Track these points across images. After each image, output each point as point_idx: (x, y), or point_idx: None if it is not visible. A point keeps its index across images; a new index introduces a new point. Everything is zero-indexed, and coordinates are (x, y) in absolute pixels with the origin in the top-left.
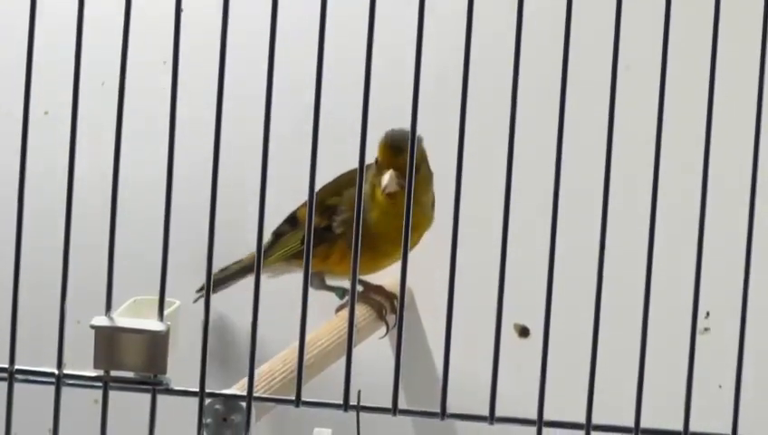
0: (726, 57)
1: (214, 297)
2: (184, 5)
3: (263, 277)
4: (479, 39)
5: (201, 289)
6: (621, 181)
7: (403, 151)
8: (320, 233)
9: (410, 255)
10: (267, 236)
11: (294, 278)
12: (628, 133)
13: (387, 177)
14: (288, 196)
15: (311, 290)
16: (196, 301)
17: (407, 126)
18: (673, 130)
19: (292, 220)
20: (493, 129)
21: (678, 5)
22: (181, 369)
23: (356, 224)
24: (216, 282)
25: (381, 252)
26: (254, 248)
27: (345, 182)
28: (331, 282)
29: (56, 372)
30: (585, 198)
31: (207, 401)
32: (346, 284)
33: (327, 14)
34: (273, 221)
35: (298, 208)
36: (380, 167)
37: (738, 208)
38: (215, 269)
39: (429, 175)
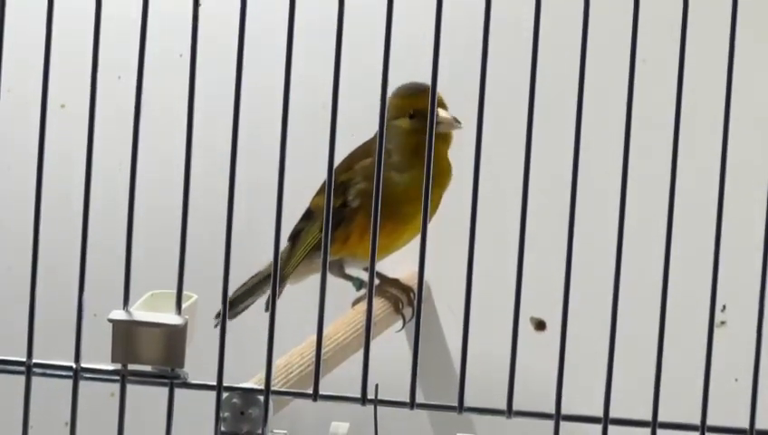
0: (744, 52)
1: (231, 291)
2: None
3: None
4: (495, 33)
5: (218, 315)
6: (639, 174)
7: (426, 90)
8: (336, 213)
9: (427, 248)
10: (283, 244)
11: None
12: (645, 126)
13: (443, 114)
14: (302, 196)
15: (328, 283)
16: (216, 326)
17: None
18: (690, 123)
19: (306, 215)
20: (510, 122)
21: None
22: (199, 362)
23: (375, 199)
24: (235, 300)
25: (405, 215)
26: (269, 247)
27: (354, 157)
28: (349, 270)
29: (73, 365)
30: (603, 191)
31: (225, 394)
32: (364, 275)
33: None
34: (286, 225)
35: (311, 201)
36: (422, 112)
37: (755, 202)
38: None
39: None
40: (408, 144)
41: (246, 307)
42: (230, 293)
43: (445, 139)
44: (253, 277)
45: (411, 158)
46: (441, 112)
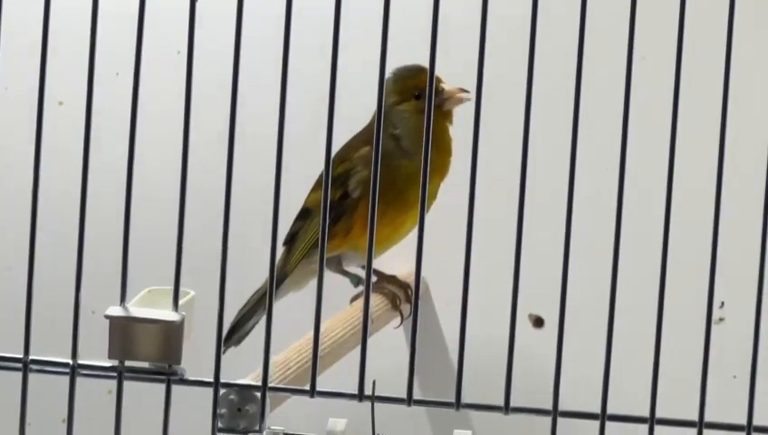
0: (742, 48)
1: (228, 288)
2: None
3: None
4: (494, 31)
5: (227, 340)
6: (637, 170)
7: (425, 69)
8: (336, 206)
9: (425, 245)
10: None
11: None
12: (643, 123)
13: (449, 87)
14: (299, 192)
15: (325, 279)
16: (224, 352)
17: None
18: (689, 119)
19: (302, 215)
20: (507, 118)
21: None
22: (196, 359)
23: (372, 193)
24: (240, 320)
25: (407, 201)
26: (267, 242)
27: (350, 148)
28: (347, 266)
29: (71, 362)
30: (600, 188)
31: (222, 391)
32: (361, 271)
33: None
34: (283, 222)
35: (306, 198)
36: (409, 93)
37: (753, 197)
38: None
39: None
40: (419, 126)
41: (252, 327)
42: (229, 294)
43: (446, 115)
44: (254, 294)
45: (418, 135)
46: (446, 87)
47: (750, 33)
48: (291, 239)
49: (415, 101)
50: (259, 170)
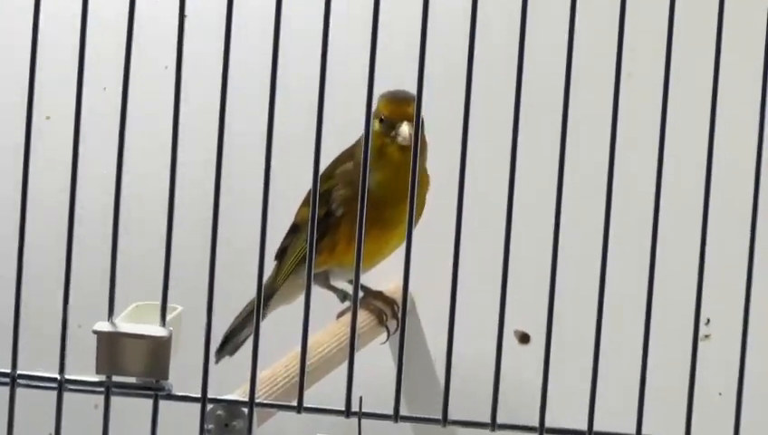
0: (729, 64)
1: (216, 303)
2: (186, 11)
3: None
4: (482, 43)
5: (220, 350)
6: (624, 188)
7: (410, 101)
8: (320, 223)
9: (412, 261)
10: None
11: None
12: (630, 140)
13: (404, 127)
14: (290, 205)
15: (313, 295)
16: (218, 362)
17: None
18: (675, 137)
19: (292, 230)
20: (495, 136)
21: (682, 12)
22: (183, 374)
23: (360, 207)
24: (231, 333)
25: (388, 221)
26: (255, 257)
27: (336, 164)
28: (334, 282)
29: (58, 377)
30: (587, 205)
31: (209, 406)
32: (348, 287)
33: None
34: (272, 237)
35: (296, 215)
36: (389, 120)
37: (740, 215)
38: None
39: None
40: (374, 146)
41: (246, 338)
42: (217, 310)
43: (405, 149)
44: (247, 305)
45: (377, 160)
46: (405, 127)
47: (738, 51)
48: (281, 254)
49: (378, 123)
50: (248, 185)
